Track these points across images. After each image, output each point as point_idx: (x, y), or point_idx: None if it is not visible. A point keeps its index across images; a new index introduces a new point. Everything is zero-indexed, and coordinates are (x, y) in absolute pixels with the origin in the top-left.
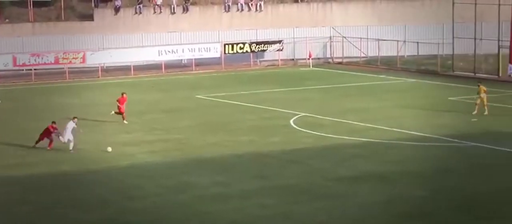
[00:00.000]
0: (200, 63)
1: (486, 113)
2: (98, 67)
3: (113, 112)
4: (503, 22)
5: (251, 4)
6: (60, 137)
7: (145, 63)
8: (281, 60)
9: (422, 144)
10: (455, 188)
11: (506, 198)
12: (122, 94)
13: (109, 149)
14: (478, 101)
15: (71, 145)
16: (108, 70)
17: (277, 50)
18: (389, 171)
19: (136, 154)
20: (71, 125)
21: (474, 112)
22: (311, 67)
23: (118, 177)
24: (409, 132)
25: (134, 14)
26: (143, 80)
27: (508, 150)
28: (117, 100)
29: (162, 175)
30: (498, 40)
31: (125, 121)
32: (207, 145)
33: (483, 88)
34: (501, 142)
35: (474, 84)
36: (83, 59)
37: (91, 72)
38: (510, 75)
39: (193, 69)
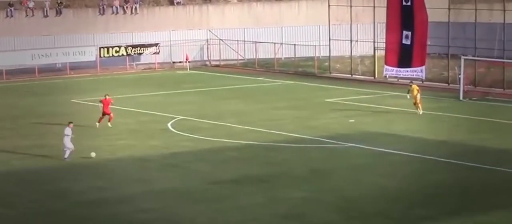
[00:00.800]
0: (75, 67)
1: (420, 112)
2: None
3: (97, 123)
4: (378, 23)
5: (127, 7)
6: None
7: (17, 67)
8: (158, 63)
9: (301, 146)
10: (332, 189)
11: (380, 197)
12: (105, 96)
13: (93, 154)
14: (417, 100)
15: (67, 153)
16: None
17: (154, 53)
18: (269, 173)
19: (11, 160)
20: (68, 130)
21: (420, 112)
22: (188, 70)
23: None
24: (288, 134)
25: (6, 17)
26: (16, 85)
27: (384, 150)
28: (100, 101)
29: (40, 181)
30: (374, 42)
31: (109, 124)
32: (85, 149)
33: (416, 87)
34: (377, 142)
35: (350, 85)
36: None
37: None
38: (385, 76)
39: (68, 73)
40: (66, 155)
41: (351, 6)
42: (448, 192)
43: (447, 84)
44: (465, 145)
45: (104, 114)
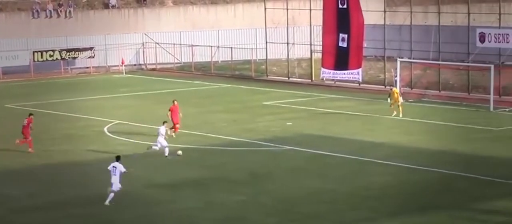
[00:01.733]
0: (8, 71)
1: (401, 115)
2: None
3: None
4: (315, 26)
5: (61, 11)
6: (154, 146)
7: None
8: (93, 67)
9: (238, 149)
10: (271, 191)
11: (318, 199)
12: (173, 101)
13: (180, 152)
14: (399, 103)
15: (167, 151)
16: None
17: (89, 57)
18: (206, 177)
19: None
20: (163, 130)
21: (400, 115)
22: (124, 74)
23: None
24: (225, 137)
25: None
26: None
27: (322, 152)
28: (169, 109)
29: None
30: (310, 45)
31: (173, 134)
32: (20, 155)
33: (396, 91)
34: (315, 145)
35: (287, 88)
36: None
37: None
38: (322, 79)
39: (1, 77)
40: (167, 154)
41: (287, 9)
42: (386, 194)
43: (383, 87)
44: (402, 147)
45: (174, 123)
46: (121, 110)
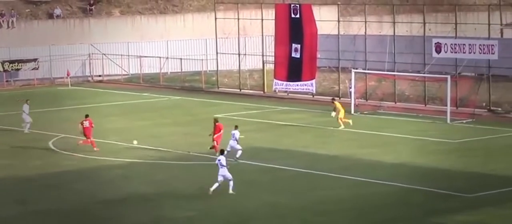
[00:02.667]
0: None
1: (342, 127)
2: None
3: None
4: (267, 36)
5: (3, 21)
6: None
7: None
8: (37, 79)
9: (189, 163)
10: (222, 207)
11: (270, 214)
12: (215, 121)
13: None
14: (341, 116)
15: (239, 153)
16: None
17: (33, 69)
18: (155, 192)
19: None
20: (237, 134)
21: (341, 127)
22: (70, 86)
23: None
24: (175, 151)
25: None
26: None
27: (274, 166)
28: (213, 130)
29: None
30: (263, 55)
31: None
32: None
33: (339, 104)
34: (267, 158)
35: (239, 100)
36: None
37: None
38: (275, 91)
39: None
40: (238, 156)
41: (238, 19)
42: (340, 208)
43: (338, 98)
44: (356, 160)
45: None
46: (67, 123)
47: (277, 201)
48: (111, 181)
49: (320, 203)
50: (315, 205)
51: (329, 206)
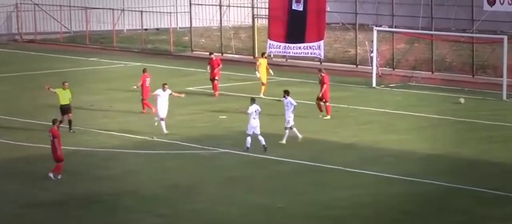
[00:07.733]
0: None
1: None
2: None
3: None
4: None
5: None
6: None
7: None
8: None
9: (152, 153)
10: (196, 211)
11: (261, 221)
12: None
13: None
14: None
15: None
16: None
17: None
18: (106, 191)
19: None
20: (254, 107)
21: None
22: None
23: None
24: (133, 136)
25: None
26: None
27: (268, 157)
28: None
29: None
30: (252, 7)
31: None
32: None
33: (262, 61)
34: (257, 146)
35: (221, 68)
36: None
37: None
38: (269, 55)
39: None
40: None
41: None
42: (356, 214)
43: (354, 66)
44: (379, 150)
45: None
46: None
47: (270, 205)
48: (46, 177)
49: (329, 208)
50: (323, 210)
51: (342, 211)
